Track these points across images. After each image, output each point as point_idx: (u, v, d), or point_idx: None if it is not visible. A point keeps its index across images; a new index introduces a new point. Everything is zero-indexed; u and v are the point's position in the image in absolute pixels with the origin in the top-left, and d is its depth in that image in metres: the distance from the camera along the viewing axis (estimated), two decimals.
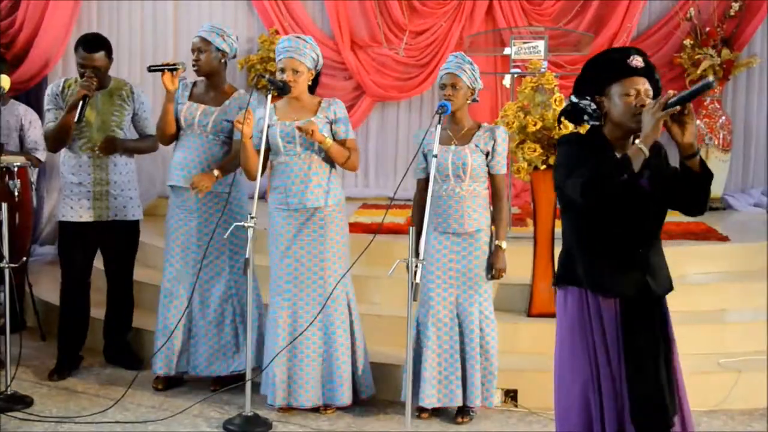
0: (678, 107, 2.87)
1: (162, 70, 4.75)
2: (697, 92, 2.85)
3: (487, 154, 4.57)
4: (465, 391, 4.56)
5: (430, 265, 4.44)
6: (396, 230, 6.04)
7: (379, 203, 7.59)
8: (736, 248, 6.15)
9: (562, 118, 3.21)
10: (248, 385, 4.55)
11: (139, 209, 5.28)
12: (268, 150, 4.66)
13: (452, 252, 4.56)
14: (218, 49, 4.87)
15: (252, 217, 4.52)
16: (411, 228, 4.43)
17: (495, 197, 4.62)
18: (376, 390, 4.82)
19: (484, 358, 4.56)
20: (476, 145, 4.56)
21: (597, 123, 3.10)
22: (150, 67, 4.83)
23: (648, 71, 3.02)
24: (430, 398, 4.54)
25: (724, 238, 6.29)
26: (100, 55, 5.00)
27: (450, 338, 4.56)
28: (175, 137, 4.96)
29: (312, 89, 4.75)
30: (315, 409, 4.72)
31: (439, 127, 4.39)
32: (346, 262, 4.71)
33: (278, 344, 4.64)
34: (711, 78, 2.89)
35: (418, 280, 4.17)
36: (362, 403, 4.77)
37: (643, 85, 3.00)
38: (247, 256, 4.48)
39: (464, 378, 4.56)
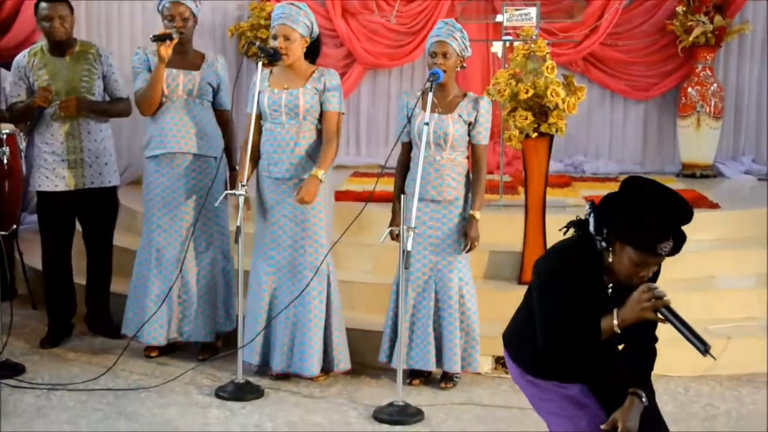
0: (662, 318, 2.75)
1: (164, 39, 4.70)
2: (687, 338, 2.70)
3: (469, 125, 4.57)
4: (443, 357, 4.59)
5: (412, 233, 4.43)
6: (387, 198, 6.03)
7: (370, 171, 7.57)
8: (727, 215, 6.16)
9: (571, 228, 2.94)
10: (240, 352, 4.57)
11: (116, 175, 5.23)
12: (259, 116, 4.64)
13: (431, 219, 4.57)
14: (194, 15, 4.87)
15: (242, 185, 4.52)
16: (402, 196, 4.44)
17: (474, 167, 4.62)
18: (366, 357, 4.84)
19: (466, 323, 4.59)
20: (459, 115, 4.55)
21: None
22: (153, 36, 4.76)
23: (672, 252, 2.75)
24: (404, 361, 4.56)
25: (714, 206, 6.31)
26: (62, 6, 4.96)
27: (424, 303, 4.58)
28: (159, 107, 4.91)
29: (313, 58, 4.71)
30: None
31: (430, 95, 4.38)
32: (330, 231, 4.71)
33: (261, 307, 4.65)
34: (708, 346, 2.68)
35: (409, 247, 4.19)
36: (353, 370, 4.80)
37: (659, 260, 2.79)
38: (238, 224, 4.49)
39: (441, 344, 4.58)
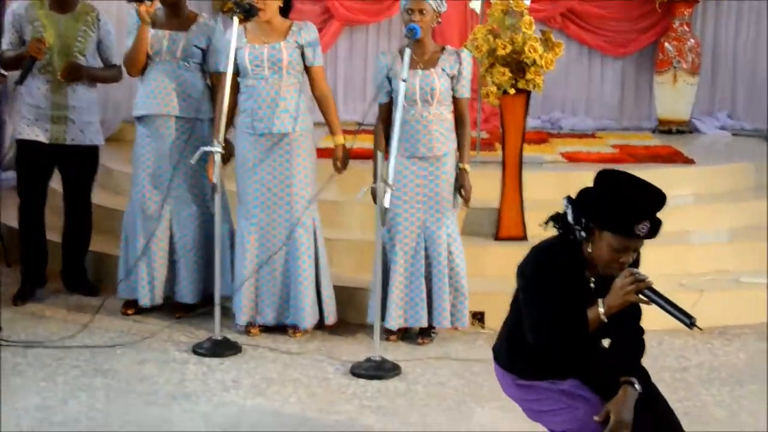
0: (646, 300, 2.79)
1: (141, 0, 4.63)
2: (672, 314, 2.75)
3: (452, 78, 4.55)
4: (432, 313, 4.62)
5: (396, 190, 4.44)
6: (365, 155, 5.99)
7: (347, 128, 7.53)
8: (702, 171, 6.21)
9: (551, 223, 2.96)
10: (217, 309, 4.58)
11: (99, 135, 5.20)
12: (235, 74, 4.60)
13: (419, 177, 4.57)
14: None
15: (218, 142, 4.49)
16: (378, 153, 4.43)
17: (459, 121, 4.62)
18: (344, 313, 4.87)
19: (455, 279, 4.61)
20: (442, 69, 4.54)
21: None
22: None
23: (650, 234, 2.80)
24: (396, 320, 4.60)
25: (690, 161, 6.35)
26: None
27: (416, 261, 4.60)
28: (145, 68, 4.87)
29: (286, 13, 4.67)
30: (284, 331, 4.77)
31: (409, 51, 4.35)
32: (314, 187, 4.71)
33: (247, 267, 4.66)
34: (693, 319, 2.73)
35: (387, 205, 4.19)
36: (331, 327, 4.82)
37: (637, 244, 2.85)
38: (214, 181, 4.48)
39: (431, 300, 4.62)
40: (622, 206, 2.78)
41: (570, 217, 2.89)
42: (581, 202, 2.89)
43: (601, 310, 2.82)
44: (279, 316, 4.73)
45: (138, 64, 4.82)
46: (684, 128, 7.81)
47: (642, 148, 6.84)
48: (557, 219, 2.95)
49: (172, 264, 4.95)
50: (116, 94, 7.58)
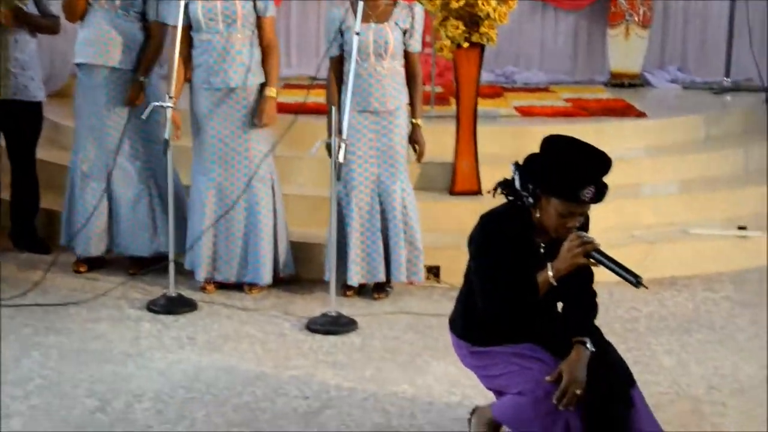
0: (594, 262, 2.81)
1: None
2: (619, 274, 2.79)
3: (405, 32, 4.52)
4: (388, 268, 4.64)
5: (351, 145, 4.43)
6: (319, 110, 5.97)
7: (301, 83, 7.47)
8: (653, 124, 6.28)
9: (499, 189, 2.97)
10: (171, 265, 4.55)
11: (42, 91, 5.12)
12: (187, 27, 4.52)
13: (372, 131, 4.55)
14: None
15: (170, 97, 4.44)
16: (333, 108, 4.40)
17: (411, 76, 4.60)
18: (299, 270, 4.87)
19: (409, 234, 4.63)
20: (395, 23, 4.51)
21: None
22: None
23: (595, 199, 2.82)
24: (355, 275, 4.61)
25: (641, 114, 6.41)
26: None
27: (371, 216, 4.60)
28: (84, 14, 4.77)
29: None
30: (240, 288, 4.76)
31: (362, 4, 4.31)
32: (271, 141, 4.68)
33: (204, 223, 4.63)
34: (639, 279, 2.77)
35: (341, 159, 4.18)
36: (286, 283, 4.83)
37: (583, 209, 2.86)
38: (166, 137, 4.42)
39: (388, 255, 4.63)
40: (566, 172, 2.80)
41: (517, 184, 2.91)
42: (528, 168, 2.91)
43: (550, 273, 2.85)
44: (238, 274, 4.71)
45: (76, 8, 4.73)
46: (636, 81, 7.87)
47: (594, 101, 6.89)
48: (505, 185, 2.97)
49: (113, 217, 4.89)
50: (63, 47, 7.42)
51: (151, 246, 4.91)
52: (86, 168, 4.84)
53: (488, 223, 2.98)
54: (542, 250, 2.97)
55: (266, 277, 4.69)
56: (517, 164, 2.93)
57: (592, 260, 2.81)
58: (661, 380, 3.79)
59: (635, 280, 2.77)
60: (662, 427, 3.19)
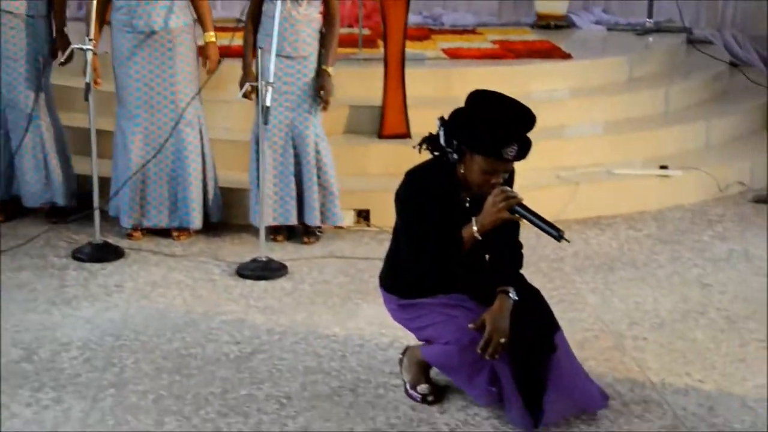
0: (518, 217, 2.84)
1: None
2: (542, 229, 2.83)
3: None
4: (303, 211, 4.64)
5: (270, 88, 4.36)
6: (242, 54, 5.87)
7: (226, 26, 7.32)
8: (578, 65, 6.33)
9: (424, 145, 2.99)
10: (96, 213, 4.48)
11: None
12: None
13: (286, 75, 4.50)
14: None
15: (90, 39, 4.31)
16: (259, 51, 4.33)
17: (329, 21, 4.54)
18: (228, 215, 4.84)
19: (323, 179, 4.62)
20: None
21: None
22: None
23: (518, 156, 2.85)
24: (266, 217, 4.59)
25: (567, 56, 6.46)
26: None
27: (285, 159, 4.57)
28: None
29: None
30: (167, 235, 4.71)
31: None
32: (197, 84, 4.60)
33: (131, 169, 4.55)
34: (561, 233, 2.81)
35: (268, 103, 4.13)
36: (215, 228, 4.79)
37: (506, 166, 2.89)
38: (87, 81, 4.31)
39: (301, 199, 4.62)
40: (491, 129, 2.83)
41: (442, 140, 2.93)
42: (453, 123, 2.92)
43: (475, 228, 2.88)
44: (167, 219, 4.66)
45: None
46: (561, 23, 7.91)
47: (521, 43, 6.91)
48: (430, 140, 2.98)
49: (12, 165, 4.77)
50: None
51: (46, 195, 4.80)
52: None
53: (413, 179, 3.00)
54: (467, 205, 3.00)
55: (197, 221, 4.65)
56: (442, 119, 2.94)
57: (515, 215, 2.85)
58: (585, 317, 3.89)
59: (557, 234, 2.83)
60: (587, 362, 3.30)
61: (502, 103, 2.89)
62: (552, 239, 2.87)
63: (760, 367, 3.45)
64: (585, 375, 3.11)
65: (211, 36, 4.56)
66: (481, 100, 2.91)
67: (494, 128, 2.83)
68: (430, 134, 2.98)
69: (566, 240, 2.87)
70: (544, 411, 2.93)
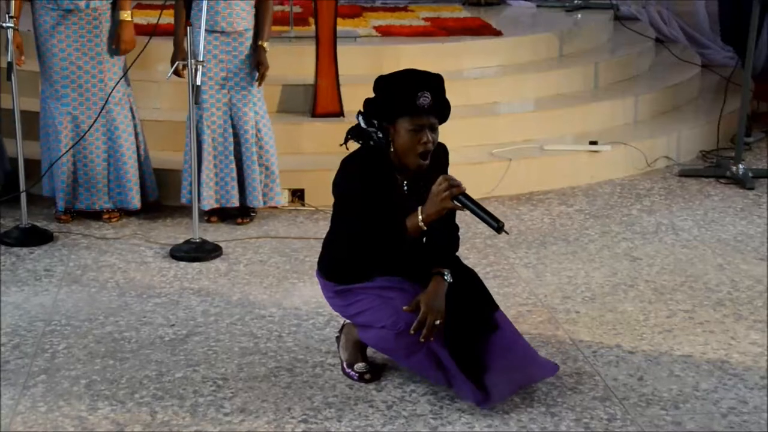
0: (460, 206, 2.85)
1: None
2: (483, 219, 2.85)
3: None
4: (245, 193, 4.60)
5: (201, 67, 4.32)
6: (173, 31, 5.77)
7: (154, 3, 7.19)
8: (509, 42, 6.38)
9: (349, 137, 3.04)
10: (23, 196, 4.38)
11: None
12: None
13: (222, 52, 4.45)
14: None
15: (11, 17, 4.20)
16: (189, 28, 4.26)
17: None
18: (160, 196, 4.77)
19: (265, 159, 4.59)
20: None
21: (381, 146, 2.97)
22: None
23: (435, 107, 2.90)
24: (208, 200, 4.55)
25: (497, 33, 6.50)
26: None
27: (224, 140, 4.53)
28: None
29: None
30: (98, 218, 4.62)
31: None
32: (124, 63, 4.51)
33: (61, 150, 4.46)
34: (501, 224, 2.83)
35: (198, 82, 4.07)
36: (146, 209, 4.72)
37: (428, 119, 2.92)
38: (9, 60, 4.20)
39: (242, 179, 4.59)
40: (398, 86, 2.91)
41: (362, 123, 2.98)
42: (367, 107, 2.99)
43: (420, 218, 2.90)
44: (101, 201, 4.58)
45: None
46: (492, 0, 7.94)
47: (452, 20, 6.93)
48: (354, 131, 3.03)
49: None
50: None
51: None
52: None
53: (348, 165, 3.01)
54: (405, 188, 3.02)
55: (135, 200, 4.59)
56: (359, 112, 3.01)
57: (458, 204, 2.87)
58: (519, 292, 3.94)
59: (497, 226, 2.85)
60: (521, 337, 3.34)
61: (403, 70, 2.99)
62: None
63: (686, 337, 3.54)
64: (530, 347, 3.15)
65: (125, 15, 4.43)
66: (384, 78, 3.00)
67: (401, 84, 2.92)
68: (352, 127, 3.04)
69: (506, 232, 2.90)
70: (490, 392, 2.96)
